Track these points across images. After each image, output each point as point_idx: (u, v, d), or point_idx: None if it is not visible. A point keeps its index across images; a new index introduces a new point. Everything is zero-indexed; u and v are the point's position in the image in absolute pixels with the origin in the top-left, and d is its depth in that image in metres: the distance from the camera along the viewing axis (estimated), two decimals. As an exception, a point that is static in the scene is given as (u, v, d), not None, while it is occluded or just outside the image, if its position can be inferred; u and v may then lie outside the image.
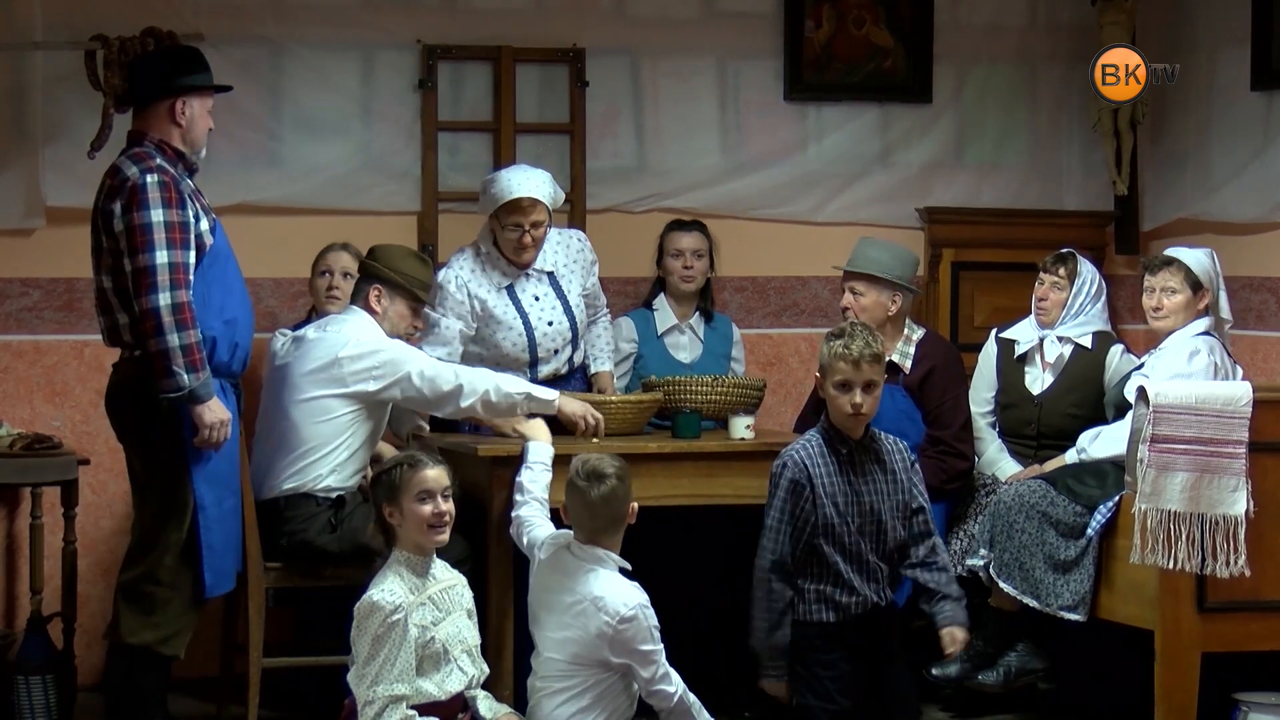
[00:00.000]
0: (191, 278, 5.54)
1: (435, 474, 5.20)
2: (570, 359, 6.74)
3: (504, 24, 7.33)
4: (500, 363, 6.55)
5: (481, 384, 6.04)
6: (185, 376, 5.47)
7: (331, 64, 7.19)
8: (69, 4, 6.82)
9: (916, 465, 5.78)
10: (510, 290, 6.61)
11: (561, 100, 7.41)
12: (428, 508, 5.15)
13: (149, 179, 5.53)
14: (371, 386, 6.03)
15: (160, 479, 5.63)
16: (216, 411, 5.55)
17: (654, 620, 5.36)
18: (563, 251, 6.75)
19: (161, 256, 5.48)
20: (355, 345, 6.05)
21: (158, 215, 5.50)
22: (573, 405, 6.12)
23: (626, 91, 7.49)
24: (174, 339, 5.46)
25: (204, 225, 5.63)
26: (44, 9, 6.83)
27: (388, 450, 6.37)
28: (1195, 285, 6.39)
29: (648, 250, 7.17)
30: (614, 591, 5.32)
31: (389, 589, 5.03)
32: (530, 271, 6.64)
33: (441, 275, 6.57)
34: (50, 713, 6.31)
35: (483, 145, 7.35)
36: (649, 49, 7.49)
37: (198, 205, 5.65)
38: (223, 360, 5.66)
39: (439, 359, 6.33)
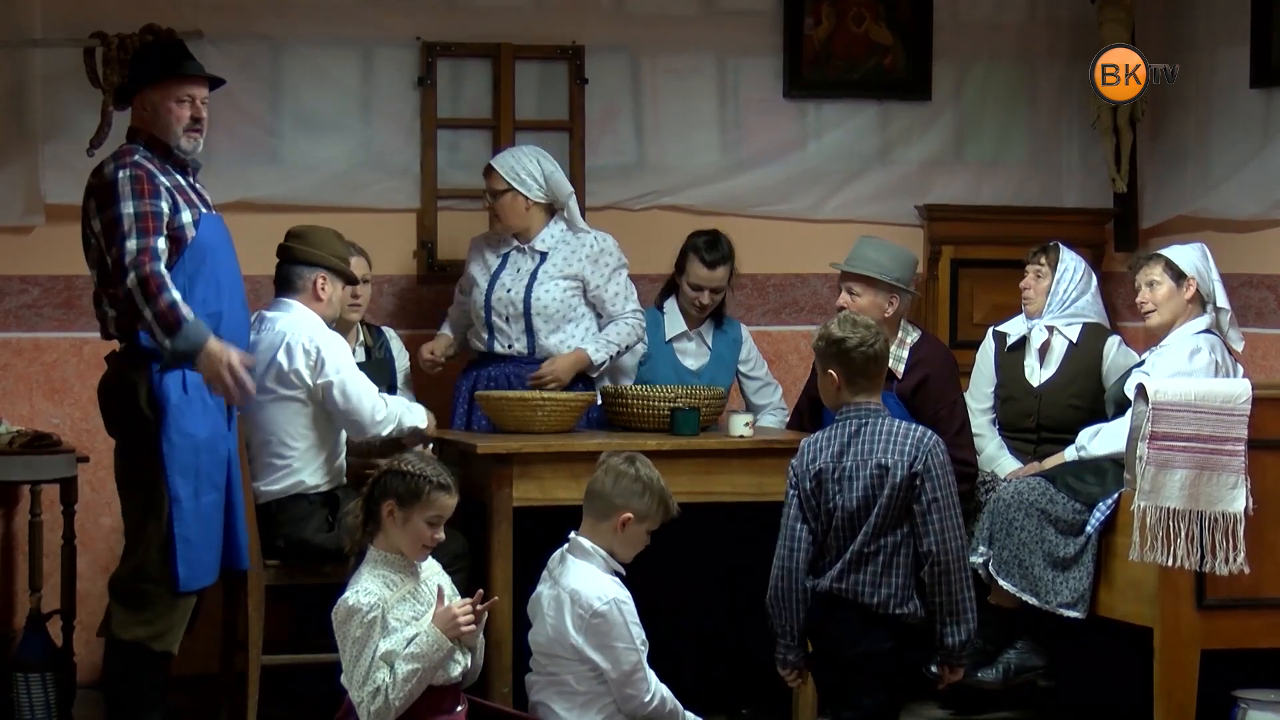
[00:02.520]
0: (163, 257, 5.53)
1: (452, 503, 5.17)
2: (531, 344, 6.73)
3: (503, 21, 7.33)
4: (469, 321, 6.88)
5: (391, 418, 6.15)
6: (167, 342, 5.47)
7: (331, 61, 7.19)
8: (68, 1, 6.82)
9: None
10: (505, 256, 6.81)
11: (561, 97, 7.41)
12: (429, 530, 5.13)
13: (121, 174, 5.55)
14: (307, 380, 6.07)
15: (140, 473, 5.64)
16: (215, 355, 5.45)
17: (631, 618, 5.34)
18: (568, 240, 6.80)
19: (131, 244, 5.49)
20: (292, 339, 6.08)
21: (128, 207, 5.52)
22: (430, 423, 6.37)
23: (626, 89, 7.49)
24: (148, 310, 5.46)
25: (185, 218, 5.62)
26: (43, 6, 6.83)
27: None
28: (1178, 275, 6.40)
29: (648, 248, 7.16)
30: (590, 585, 5.33)
31: (364, 589, 5.01)
32: (526, 247, 6.78)
33: (474, 238, 6.96)
34: (50, 710, 6.31)
35: (482, 143, 7.35)
36: (648, 46, 7.49)
37: (179, 199, 5.63)
38: None
39: (447, 316, 6.86)
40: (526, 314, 6.71)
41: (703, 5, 7.57)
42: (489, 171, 6.77)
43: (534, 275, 6.73)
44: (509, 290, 6.73)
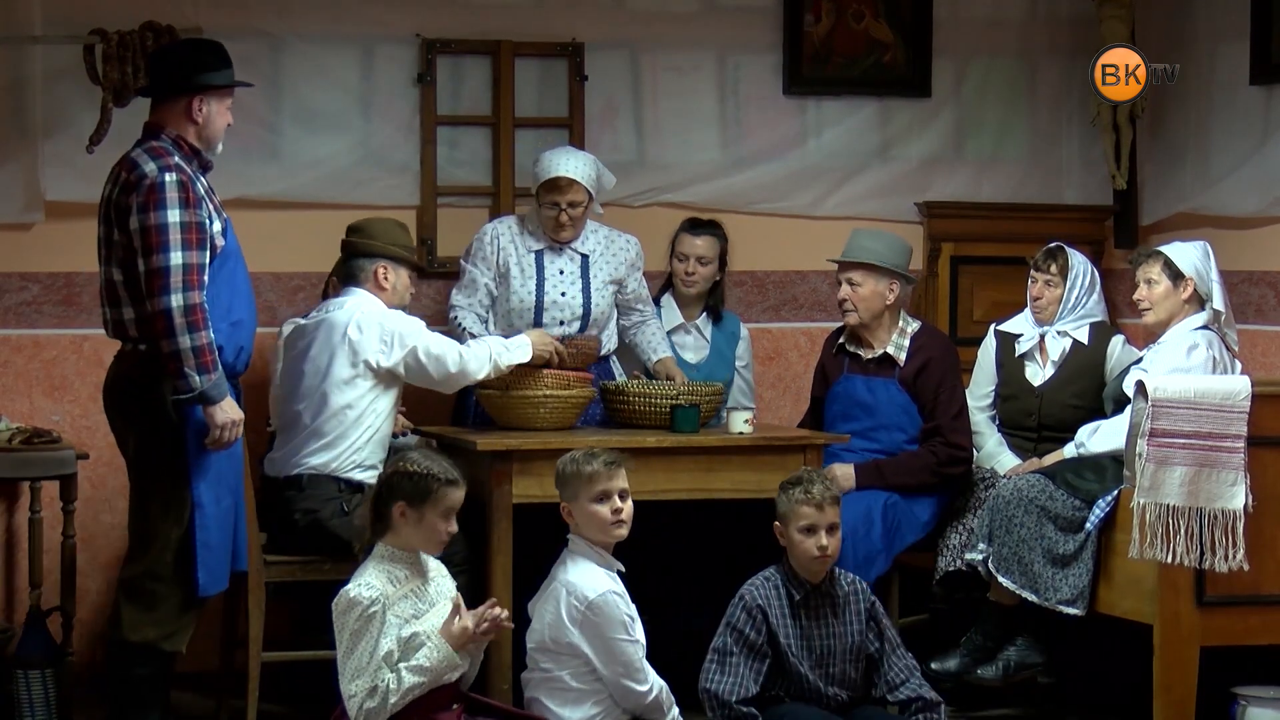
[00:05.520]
0: (205, 279, 5.50)
1: (461, 495, 5.21)
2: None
3: (503, 18, 7.33)
4: (509, 322, 6.70)
5: (481, 364, 6.19)
6: (197, 378, 5.43)
7: (331, 58, 7.19)
8: (68, -2, 6.83)
9: (878, 606, 5.69)
10: (539, 255, 6.75)
11: (561, 94, 7.41)
12: (443, 525, 5.16)
13: (168, 178, 5.45)
14: (383, 359, 6.11)
15: (161, 475, 5.60)
16: (229, 412, 5.52)
17: (627, 611, 5.36)
18: (604, 243, 6.86)
19: (176, 258, 5.41)
20: (362, 318, 6.14)
21: (174, 216, 5.43)
22: (540, 344, 6.33)
23: (626, 86, 7.49)
24: (186, 340, 5.40)
25: (216, 227, 5.59)
26: (43, 3, 6.82)
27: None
28: (1175, 275, 6.40)
29: (647, 245, 7.15)
30: (585, 578, 5.36)
31: (367, 582, 5.02)
32: (565, 248, 6.76)
33: (480, 229, 6.82)
34: (50, 707, 6.31)
35: (482, 140, 7.35)
36: (648, 43, 7.49)
37: (211, 206, 5.60)
38: (228, 361, 5.62)
39: (465, 305, 6.69)
40: (585, 317, 6.73)
41: (703, 2, 7.57)
42: (570, 185, 6.65)
43: (586, 278, 6.73)
44: (564, 294, 6.73)
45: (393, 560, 5.13)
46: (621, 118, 7.49)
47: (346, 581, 5.10)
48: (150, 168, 5.48)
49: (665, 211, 7.38)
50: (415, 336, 6.15)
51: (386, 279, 6.29)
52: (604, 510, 5.42)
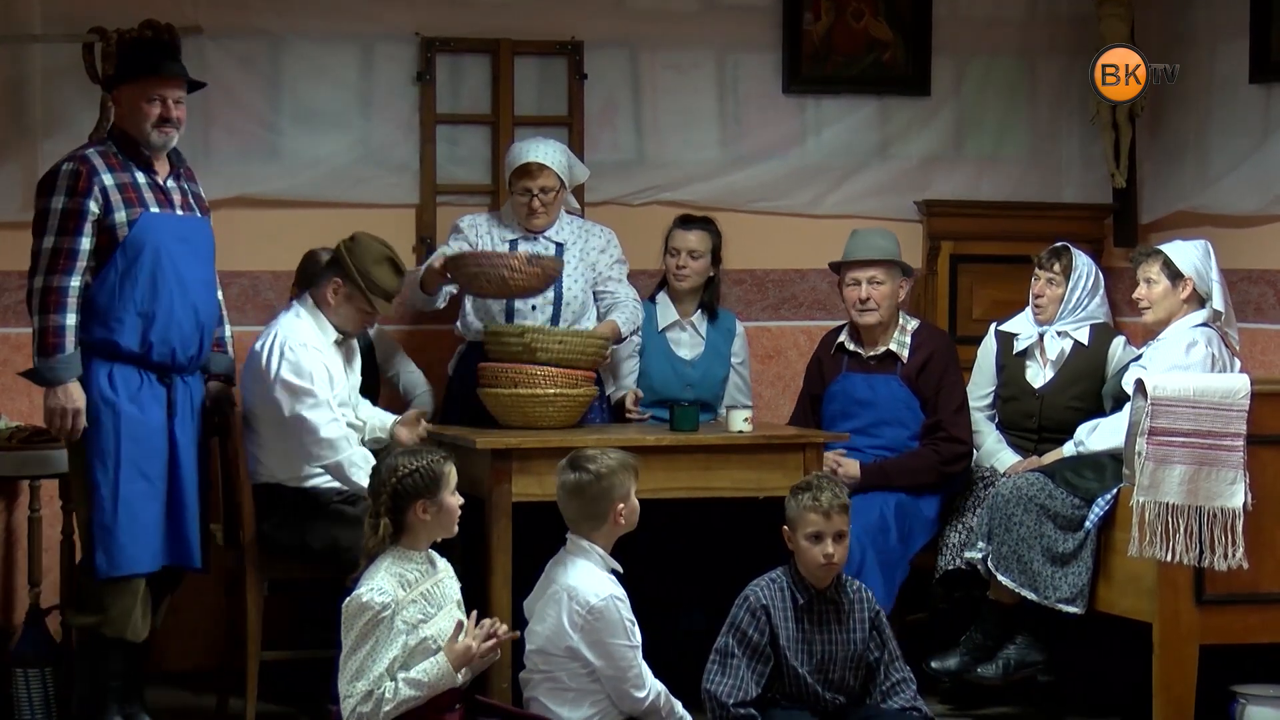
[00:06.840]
0: (79, 264, 5.59)
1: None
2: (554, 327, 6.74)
3: (503, 16, 7.33)
4: (486, 309, 6.72)
5: (322, 460, 6.08)
6: (35, 358, 5.60)
7: (330, 57, 7.19)
8: (67, -3, 6.83)
9: (882, 615, 5.69)
10: (514, 245, 6.72)
11: (560, 93, 7.40)
12: (455, 500, 5.19)
13: (64, 167, 5.62)
14: (270, 375, 6.09)
15: (72, 460, 5.77)
16: (60, 399, 5.61)
17: (628, 616, 5.35)
18: (579, 231, 6.87)
19: (47, 241, 5.59)
20: (271, 342, 6.12)
21: (56, 202, 5.60)
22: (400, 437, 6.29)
23: (625, 84, 7.49)
24: (37, 321, 5.61)
25: (119, 217, 5.62)
26: (43, 2, 6.83)
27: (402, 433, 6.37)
28: (1174, 274, 6.40)
29: (647, 243, 7.17)
30: (587, 582, 5.35)
31: (379, 587, 5.01)
32: (540, 237, 6.76)
33: (455, 220, 6.85)
34: (49, 705, 6.31)
35: (481, 138, 7.35)
36: (648, 42, 7.49)
37: (118, 197, 5.62)
38: (134, 351, 5.68)
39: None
40: (557, 304, 6.72)
41: (702, 1, 7.56)
42: (540, 170, 6.66)
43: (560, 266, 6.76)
44: None
45: (404, 562, 5.12)
46: (621, 116, 7.49)
47: (355, 584, 5.08)
48: (62, 160, 5.67)
49: (665, 210, 7.38)
50: (298, 402, 6.04)
51: (335, 297, 6.25)
52: (635, 502, 5.47)
